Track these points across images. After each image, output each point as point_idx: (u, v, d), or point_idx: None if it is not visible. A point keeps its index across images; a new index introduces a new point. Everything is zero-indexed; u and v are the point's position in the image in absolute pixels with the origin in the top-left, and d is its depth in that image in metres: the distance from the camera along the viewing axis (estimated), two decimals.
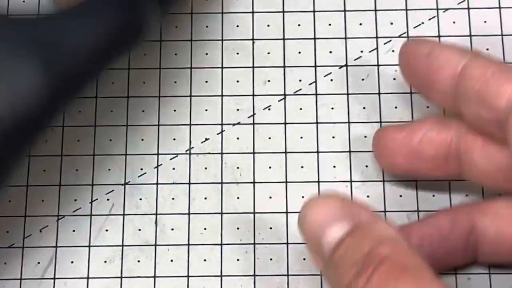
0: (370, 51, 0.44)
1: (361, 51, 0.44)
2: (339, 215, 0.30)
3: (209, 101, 0.43)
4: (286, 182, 0.41)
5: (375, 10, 0.44)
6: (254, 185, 0.41)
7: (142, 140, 0.42)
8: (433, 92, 0.35)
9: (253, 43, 0.44)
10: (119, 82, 0.43)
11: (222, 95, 0.43)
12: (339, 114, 0.42)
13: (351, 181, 0.41)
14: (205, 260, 0.40)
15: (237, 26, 0.44)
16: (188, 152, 0.42)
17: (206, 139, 0.42)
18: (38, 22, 0.26)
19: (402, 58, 0.38)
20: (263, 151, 0.42)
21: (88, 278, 0.40)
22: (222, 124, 0.42)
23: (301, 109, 0.43)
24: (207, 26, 0.44)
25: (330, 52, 0.44)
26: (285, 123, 0.42)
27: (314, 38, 0.44)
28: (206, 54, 0.44)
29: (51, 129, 0.42)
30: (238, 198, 0.41)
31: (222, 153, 0.42)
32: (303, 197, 0.41)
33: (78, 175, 0.42)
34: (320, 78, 0.43)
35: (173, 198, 0.41)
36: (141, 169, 0.42)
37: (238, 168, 0.42)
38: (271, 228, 0.41)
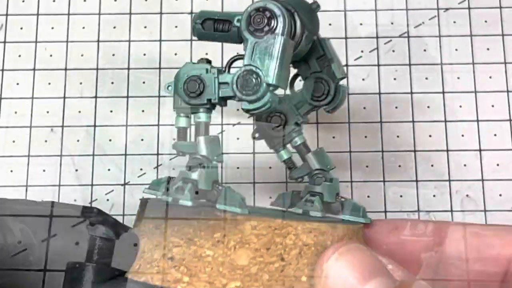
0: (370, 51, 0.44)
1: (361, 51, 0.44)
2: (377, 272, 0.28)
3: None
4: (287, 182, 0.41)
5: (375, 10, 0.44)
6: (254, 185, 0.41)
7: (142, 140, 0.42)
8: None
9: None
10: (119, 82, 0.43)
11: None
12: (339, 114, 0.42)
13: (351, 181, 0.41)
14: None
15: None
16: None
17: None
18: None
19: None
20: (263, 152, 0.42)
21: None
22: (222, 124, 0.42)
23: None
24: None
25: None
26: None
27: None
28: (206, 53, 0.44)
29: (51, 129, 0.42)
30: None
31: (222, 153, 0.42)
32: None
33: (78, 175, 0.42)
34: None
35: None
36: (141, 169, 0.42)
37: (238, 168, 0.42)
38: None
